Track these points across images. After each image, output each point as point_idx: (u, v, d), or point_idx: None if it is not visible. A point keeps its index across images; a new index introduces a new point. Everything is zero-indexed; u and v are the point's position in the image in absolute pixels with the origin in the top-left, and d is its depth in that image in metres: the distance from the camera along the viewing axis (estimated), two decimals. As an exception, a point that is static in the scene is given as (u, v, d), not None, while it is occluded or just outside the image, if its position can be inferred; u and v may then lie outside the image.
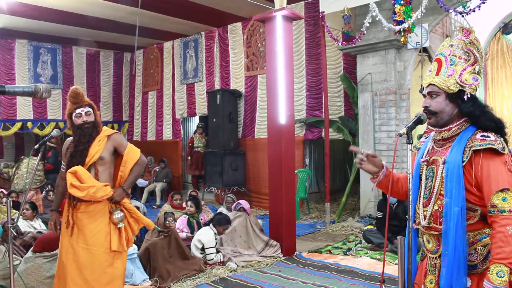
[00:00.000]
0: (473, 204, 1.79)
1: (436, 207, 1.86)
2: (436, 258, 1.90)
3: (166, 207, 6.17)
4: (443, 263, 1.80)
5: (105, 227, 3.12)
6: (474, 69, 1.87)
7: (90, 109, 3.20)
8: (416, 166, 1.98)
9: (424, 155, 1.98)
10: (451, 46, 1.91)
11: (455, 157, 1.80)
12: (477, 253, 1.80)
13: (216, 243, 4.94)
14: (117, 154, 3.27)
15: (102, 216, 3.13)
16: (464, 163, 1.78)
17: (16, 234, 4.59)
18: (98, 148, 3.13)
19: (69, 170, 3.04)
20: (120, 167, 3.24)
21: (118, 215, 3.13)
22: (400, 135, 1.83)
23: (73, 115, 3.17)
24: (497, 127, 1.81)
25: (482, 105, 1.86)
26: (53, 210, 3.32)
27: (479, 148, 1.76)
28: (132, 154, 3.25)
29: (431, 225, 1.88)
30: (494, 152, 1.75)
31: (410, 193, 1.78)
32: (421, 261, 2.02)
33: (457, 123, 1.87)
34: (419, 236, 1.99)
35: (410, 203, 1.78)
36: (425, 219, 1.89)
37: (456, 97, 1.85)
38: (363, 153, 2.06)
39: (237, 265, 4.81)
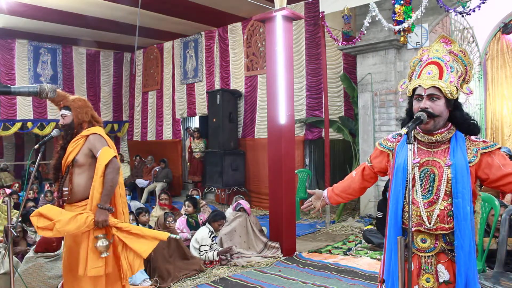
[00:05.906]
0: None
1: (442, 207, 1.89)
2: (431, 256, 1.93)
3: (156, 208, 6.26)
4: (459, 259, 1.84)
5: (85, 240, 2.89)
6: (464, 79, 1.96)
7: (66, 112, 3.16)
8: (402, 169, 1.96)
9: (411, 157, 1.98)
10: (438, 51, 1.99)
11: (461, 160, 1.87)
12: None
13: (212, 241, 4.94)
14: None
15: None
16: (472, 164, 1.87)
17: (15, 234, 4.59)
18: (72, 150, 3.03)
19: (32, 214, 2.80)
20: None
21: (102, 243, 2.80)
22: (400, 135, 1.83)
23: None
24: (478, 132, 1.97)
25: (466, 112, 1.99)
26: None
27: (487, 150, 1.88)
28: (101, 160, 2.92)
29: (437, 225, 1.89)
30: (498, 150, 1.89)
31: (410, 193, 1.78)
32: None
33: (447, 127, 1.94)
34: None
35: (410, 203, 1.78)
36: (428, 219, 1.90)
37: (452, 104, 1.92)
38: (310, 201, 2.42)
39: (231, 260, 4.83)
